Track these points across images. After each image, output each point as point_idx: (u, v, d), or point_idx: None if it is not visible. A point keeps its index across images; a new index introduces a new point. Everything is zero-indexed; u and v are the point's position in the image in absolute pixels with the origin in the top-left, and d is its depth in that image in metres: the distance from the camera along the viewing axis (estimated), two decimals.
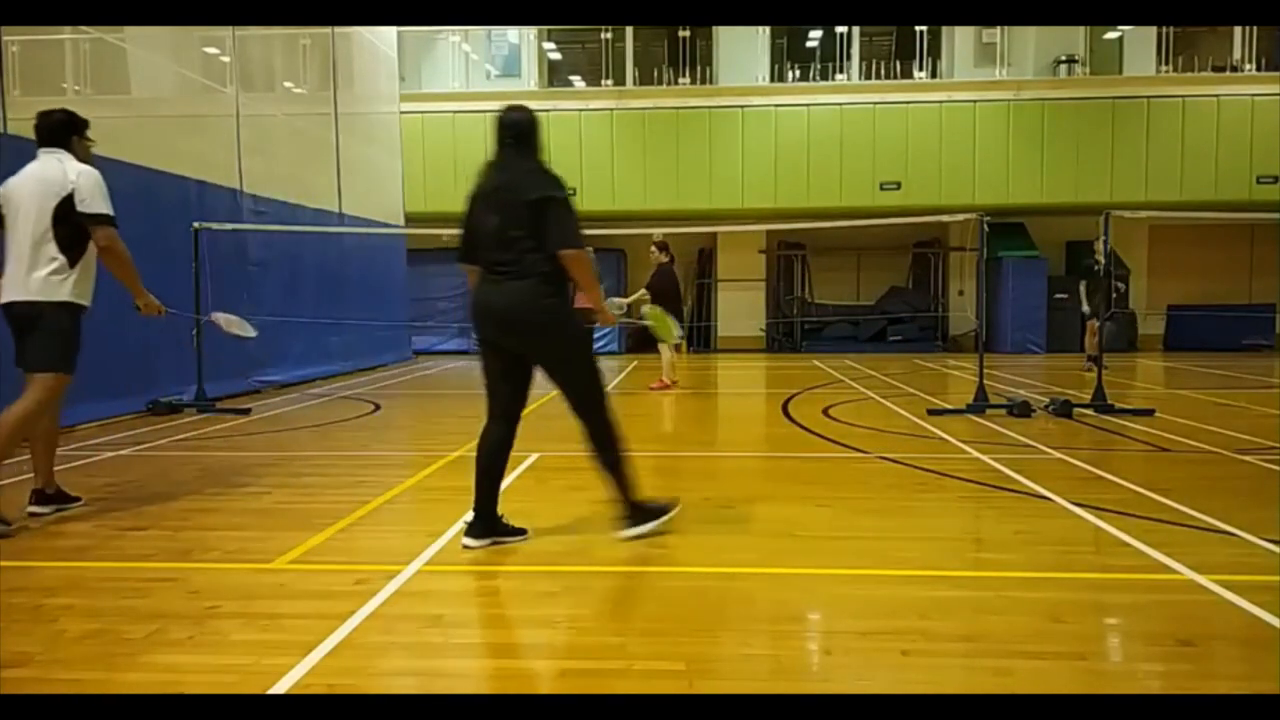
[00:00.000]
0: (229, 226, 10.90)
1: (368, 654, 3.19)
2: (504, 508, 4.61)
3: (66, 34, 9.89)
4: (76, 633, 3.40)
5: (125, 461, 7.07)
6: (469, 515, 4.62)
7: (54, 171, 5.20)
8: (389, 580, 3.95)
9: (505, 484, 6.00)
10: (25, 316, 5.12)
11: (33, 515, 5.23)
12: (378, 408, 10.54)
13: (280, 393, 12.00)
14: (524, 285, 4.30)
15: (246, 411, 9.79)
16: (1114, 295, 14.47)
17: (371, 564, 4.24)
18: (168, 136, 11.09)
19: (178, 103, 11.89)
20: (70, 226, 5.14)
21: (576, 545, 4.57)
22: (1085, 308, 14.42)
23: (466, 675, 3.02)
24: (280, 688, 2.88)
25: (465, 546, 4.49)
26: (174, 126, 11.45)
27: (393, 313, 17.18)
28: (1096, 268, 13.87)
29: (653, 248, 12.53)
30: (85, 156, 5.42)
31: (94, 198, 5.21)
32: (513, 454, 4.74)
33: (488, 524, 4.55)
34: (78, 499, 5.50)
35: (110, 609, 3.66)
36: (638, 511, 4.62)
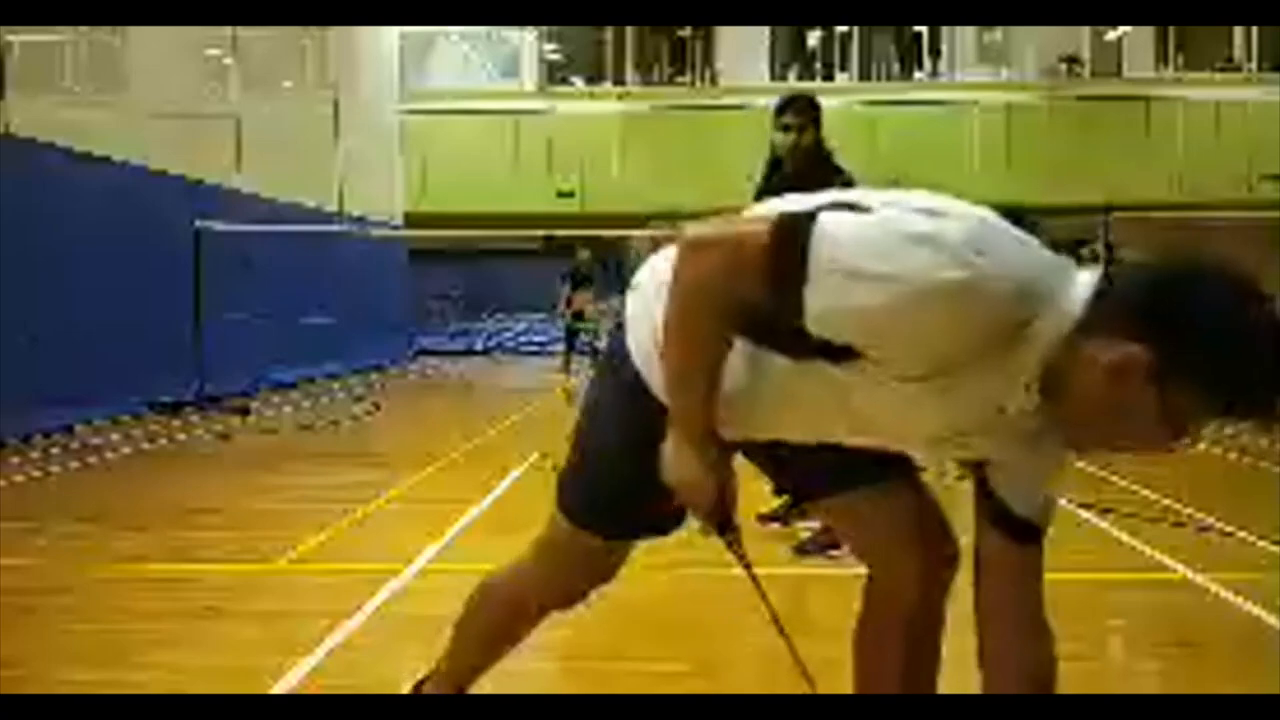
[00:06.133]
0: (229, 226, 10.89)
1: (368, 654, 3.18)
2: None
3: (66, 34, 9.90)
4: (76, 633, 3.39)
5: (125, 461, 7.07)
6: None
7: None
8: (389, 580, 3.95)
9: (504, 484, 6.01)
10: None
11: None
12: (378, 408, 10.54)
13: (281, 392, 11.99)
14: None
15: (246, 411, 9.79)
16: None
17: (371, 564, 4.23)
18: (168, 136, 11.09)
19: (178, 103, 11.90)
20: None
21: None
22: None
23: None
24: (280, 688, 2.88)
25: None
26: (174, 126, 11.46)
27: (393, 313, 17.16)
28: None
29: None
30: None
31: None
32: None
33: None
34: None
35: (110, 609, 3.66)
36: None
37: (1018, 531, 1.67)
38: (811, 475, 1.87)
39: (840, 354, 1.50)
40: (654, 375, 1.72)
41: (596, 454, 1.89)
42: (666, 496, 1.72)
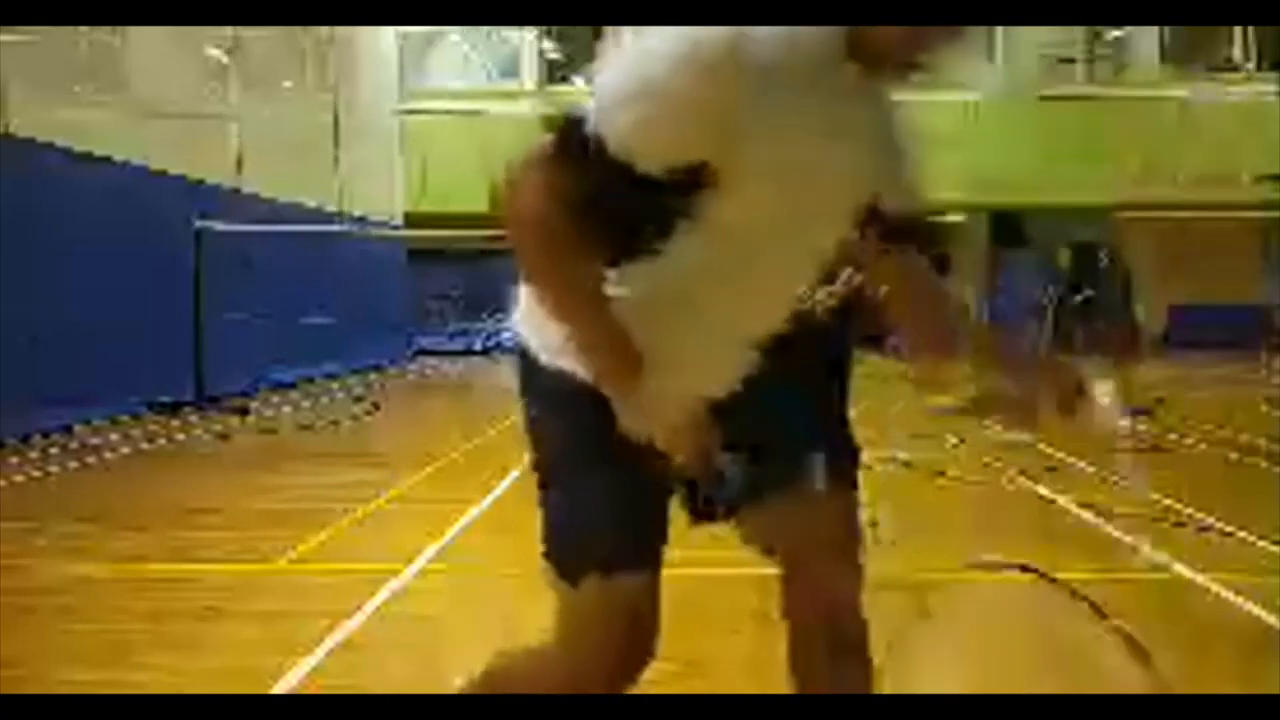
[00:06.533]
0: (229, 226, 10.89)
1: (368, 654, 3.19)
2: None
3: (66, 34, 9.89)
4: (76, 633, 3.40)
5: (124, 461, 7.07)
6: None
7: None
8: (389, 580, 3.94)
9: (504, 484, 6.00)
10: None
11: None
12: (378, 408, 10.54)
13: (280, 392, 12.00)
14: None
15: (245, 411, 9.79)
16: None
17: (371, 564, 4.23)
18: (168, 136, 11.10)
19: (178, 102, 11.89)
20: None
21: None
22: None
23: (467, 675, 3.02)
24: (280, 688, 2.88)
25: None
26: (174, 126, 11.46)
27: (392, 312, 17.16)
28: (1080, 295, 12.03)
29: None
30: None
31: None
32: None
33: None
34: None
35: (110, 609, 3.66)
36: None
37: (905, 233, 1.74)
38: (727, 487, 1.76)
39: (693, 183, 1.46)
40: (560, 354, 1.58)
41: (570, 474, 1.64)
42: (658, 473, 1.59)
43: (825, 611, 1.91)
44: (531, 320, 1.62)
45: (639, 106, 1.40)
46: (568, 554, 1.62)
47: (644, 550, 1.65)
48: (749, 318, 1.64)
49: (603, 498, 1.60)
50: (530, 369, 1.65)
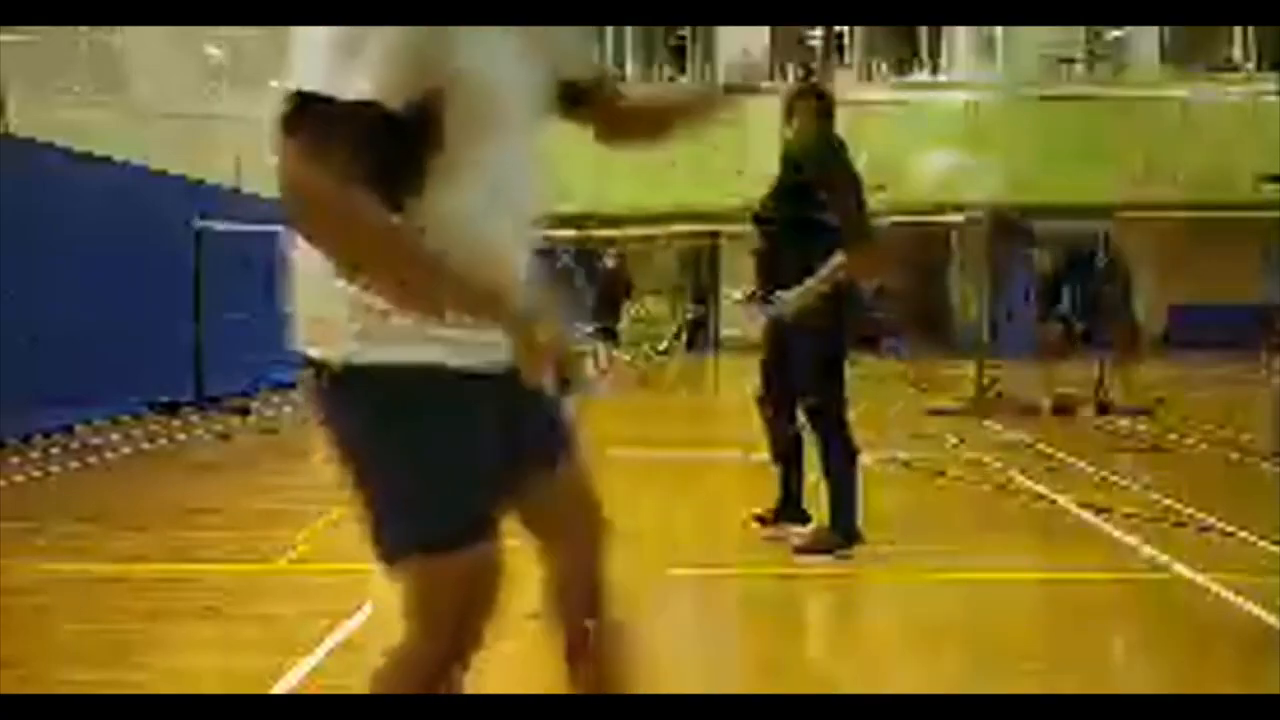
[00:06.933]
0: (229, 226, 10.87)
1: (368, 654, 3.18)
2: None
3: (66, 34, 9.91)
4: (76, 633, 3.40)
5: (124, 461, 7.06)
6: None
7: None
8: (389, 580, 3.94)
9: None
10: None
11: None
12: None
13: (280, 392, 11.99)
14: None
15: (246, 411, 9.78)
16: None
17: (371, 564, 4.23)
18: (168, 136, 11.10)
19: (178, 103, 11.90)
20: None
21: None
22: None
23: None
24: (280, 688, 2.88)
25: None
26: (174, 126, 11.46)
27: None
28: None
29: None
30: None
31: None
32: None
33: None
34: None
35: (110, 609, 3.66)
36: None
37: (603, 91, 1.87)
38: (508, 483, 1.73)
39: (430, 110, 1.50)
40: (363, 338, 1.66)
41: (402, 462, 1.70)
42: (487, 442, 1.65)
43: (603, 597, 1.87)
44: (325, 326, 1.73)
45: (352, 49, 1.47)
46: (396, 538, 1.72)
47: (477, 523, 1.67)
48: (515, 216, 1.73)
49: (434, 474, 1.65)
50: (334, 381, 1.73)
